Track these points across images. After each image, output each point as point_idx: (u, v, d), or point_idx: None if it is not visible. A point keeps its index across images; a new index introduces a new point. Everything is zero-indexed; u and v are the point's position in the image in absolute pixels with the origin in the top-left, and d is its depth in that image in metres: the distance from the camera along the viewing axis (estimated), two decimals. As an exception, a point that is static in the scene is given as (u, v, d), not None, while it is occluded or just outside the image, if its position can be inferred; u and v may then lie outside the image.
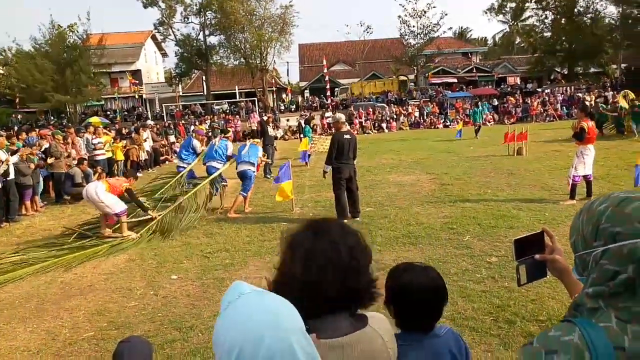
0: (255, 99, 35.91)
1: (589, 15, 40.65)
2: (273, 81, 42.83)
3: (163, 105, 35.86)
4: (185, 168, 10.03)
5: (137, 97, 37.80)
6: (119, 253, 6.87)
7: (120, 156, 15.08)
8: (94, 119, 27.13)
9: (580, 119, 8.20)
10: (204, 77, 39.34)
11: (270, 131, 13.71)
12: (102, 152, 14.15)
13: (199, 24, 37.06)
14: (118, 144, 15.15)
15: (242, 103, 37.70)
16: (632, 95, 18.11)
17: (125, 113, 37.28)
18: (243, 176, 8.91)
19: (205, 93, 39.36)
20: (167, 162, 19.05)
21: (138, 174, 15.43)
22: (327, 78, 39.80)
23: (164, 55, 49.40)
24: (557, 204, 7.85)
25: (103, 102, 39.02)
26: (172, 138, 22.24)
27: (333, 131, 8.53)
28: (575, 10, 40.52)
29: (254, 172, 8.99)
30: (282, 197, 8.50)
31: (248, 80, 38.29)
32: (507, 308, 4.13)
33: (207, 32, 37.09)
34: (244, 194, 8.86)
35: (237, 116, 33.71)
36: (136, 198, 8.03)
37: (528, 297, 4.28)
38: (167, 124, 25.06)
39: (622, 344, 0.88)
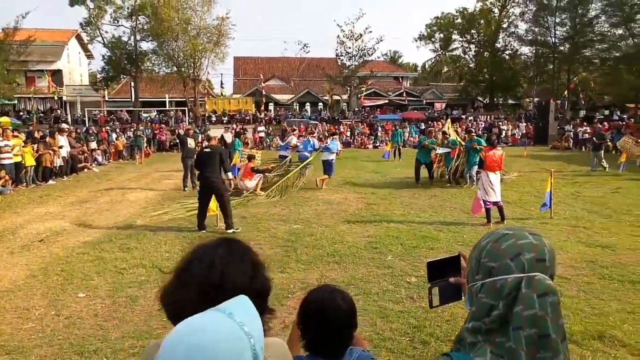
0: (186, 108, 34.93)
1: (507, 52, 44.07)
2: (205, 92, 42.00)
3: (86, 109, 33.85)
4: (286, 157, 14.12)
5: (56, 98, 35.42)
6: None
7: (30, 161, 13.91)
8: (4, 119, 25.07)
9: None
10: (132, 83, 37.72)
11: (191, 143, 13.24)
12: (9, 156, 13.04)
13: (129, 28, 35.62)
14: (28, 148, 13.99)
15: (172, 112, 36.53)
16: (448, 126, 15.34)
17: (42, 115, 34.80)
18: (327, 163, 13.11)
19: (132, 99, 37.71)
20: (85, 170, 17.92)
21: (50, 182, 14.51)
22: (263, 92, 39.73)
23: (90, 57, 46.81)
24: (475, 227, 8.23)
25: (16, 102, 36.16)
26: (93, 144, 20.95)
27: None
28: (496, 46, 43.75)
29: (333, 159, 13.30)
30: (208, 211, 8.25)
31: (179, 89, 37.20)
32: (423, 329, 4.21)
33: (138, 37, 35.69)
34: (330, 175, 13.24)
35: (165, 125, 32.62)
36: (257, 169, 12.00)
37: (443, 317, 4.40)
38: (87, 130, 23.60)
39: None
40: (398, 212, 9.56)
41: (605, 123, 27.95)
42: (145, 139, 24.91)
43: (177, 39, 33.45)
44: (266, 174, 12.29)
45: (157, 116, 36.10)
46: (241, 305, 0.87)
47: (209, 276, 1.10)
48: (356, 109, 40.66)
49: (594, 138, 17.01)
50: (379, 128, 34.33)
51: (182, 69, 34.53)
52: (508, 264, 0.98)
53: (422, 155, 13.82)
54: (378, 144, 31.29)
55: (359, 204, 10.54)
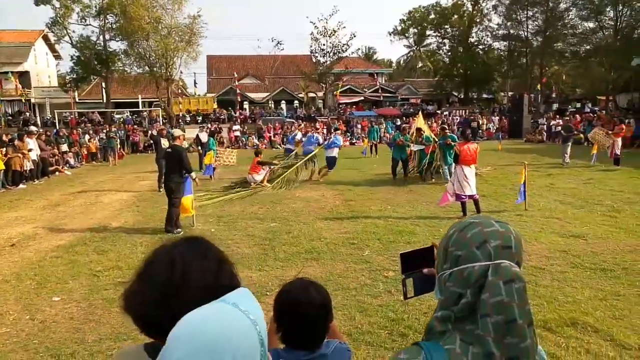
0: (160, 109, 34.37)
1: (481, 47, 44.74)
2: (179, 91, 41.42)
3: (55, 111, 32.97)
4: (292, 150, 15.35)
5: (24, 100, 34.38)
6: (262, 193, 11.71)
7: (-1, 165, 13.54)
8: (-29, 123, 24.28)
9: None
10: (103, 84, 36.91)
11: (164, 143, 12.97)
12: (-23, 161, 12.64)
13: (98, 27, 34.80)
14: (-5, 153, 13.57)
15: (145, 113, 35.91)
16: (421, 123, 14.60)
17: (10, 118, 33.81)
18: (331, 158, 14.02)
19: (104, 101, 36.93)
20: (57, 173, 17.49)
21: (21, 186, 14.12)
22: (238, 91, 39.38)
23: (58, 57, 45.56)
24: (451, 220, 8.33)
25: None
26: (64, 147, 20.45)
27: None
28: (470, 40, 44.39)
29: (336, 156, 14.21)
30: (183, 212, 8.16)
31: (152, 89, 36.58)
32: (401, 321, 4.25)
33: (107, 37, 34.91)
34: (331, 169, 14.17)
35: (138, 126, 32.07)
36: (265, 162, 12.92)
37: (421, 310, 4.45)
38: (58, 132, 22.99)
39: None
40: (375, 208, 9.62)
41: (577, 115, 28.68)
42: (118, 140, 24.49)
43: (148, 38, 32.81)
44: (272, 167, 13.25)
45: (130, 117, 35.44)
46: (243, 296, 0.89)
47: (170, 276, 1.07)
48: (332, 106, 40.73)
49: (562, 131, 17.41)
50: (358, 125, 34.43)
51: (154, 68, 33.94)
52: (474, 252, 0.99)
53: (397, 152, 13.79)
54: (354, 141, 31.42)
55: (336, 201, 10.56)
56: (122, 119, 34.46)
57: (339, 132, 16.86)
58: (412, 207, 9.68)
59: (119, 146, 24.12)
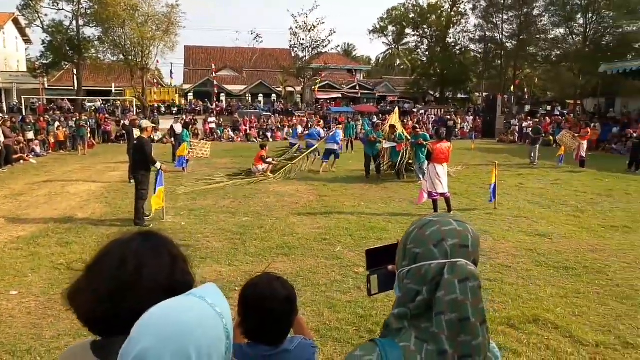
0: (134, 98, 33.63)
1: (458, 48, 45.33)
2: (155, 81, 40.60)
3: (22, 97, 31.90)
4: (295, 144, 16.27)
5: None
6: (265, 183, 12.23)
7: (-40, 152, 13.01)
8: None
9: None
10: (74, 71, 35.85)
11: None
12: (-63, 146, 12.13)
13: (71, 12, 33.75)
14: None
15: (118, 102, 35.06)
16: (395, 120, 14.69)
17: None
18: (331, 151, 14.93)
19: (75, 88, 35.90)
20: (22, 161, 16.93)
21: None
22: (215, 82, 38.85)
23: (28, 42, 44.08)
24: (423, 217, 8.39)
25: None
26: (30, 134, 19.80)
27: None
28: (447, 41, 44.91)
29: (337, 147, 15.34)
30: (154, 204, 8.00)
31: (126, 78, 35.67)
32: (369, 318, 4.26)
33: (81, 22, 33.88)
34: (333, 159, 15.16)
35: (110, 115, 31.30)
36: (266, 158, 13.61)
37: (389, 307, 4.45)
38: (24, 119, 22.25)
39: None
40: (349, 204, 9.63)
41: (547, 118, 29.35)
42: (88, 129, 23.86)
43: (124, 25, 31.97)
44: (274, 162, 14.04)
45: (102, 106, 34.55)
46: (210, 290, 0.90)
47: (121, 272, 1.04)
48: (310, 101, 40.62)
49: (530, 132, 17.81)
50: (334, 120, 34.37)
51: (130, 57, 33.13)
52: (431, 250, 0.99)
53: (369, 148, 13.59)
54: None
55: (310, 196, 10.53)
56: (93, 108, 33.53)
57: (340, 126, 17.90)
58: (385, 203, 9.73)
59: (89, 135, 23.50)
